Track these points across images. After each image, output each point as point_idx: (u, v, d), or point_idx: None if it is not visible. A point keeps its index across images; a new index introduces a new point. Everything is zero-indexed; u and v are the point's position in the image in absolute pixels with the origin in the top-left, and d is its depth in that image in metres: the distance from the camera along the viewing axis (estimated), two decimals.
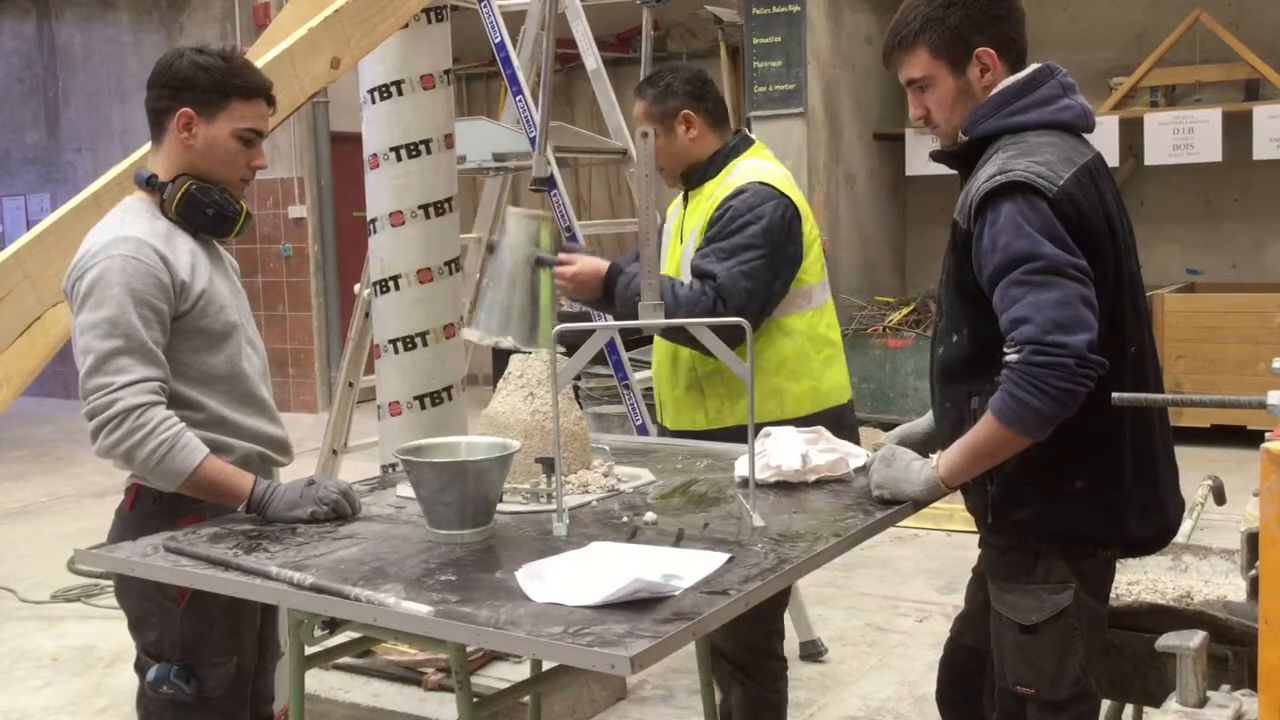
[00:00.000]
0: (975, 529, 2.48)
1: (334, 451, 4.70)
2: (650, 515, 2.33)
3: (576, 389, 2.75)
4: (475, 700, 2.09)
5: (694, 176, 3.14)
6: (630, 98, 3.26)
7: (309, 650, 2.27)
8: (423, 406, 3.80)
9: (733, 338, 2.37)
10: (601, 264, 2.97)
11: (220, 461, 2.40)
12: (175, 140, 2.46)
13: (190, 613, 2.40)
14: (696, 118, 3.10)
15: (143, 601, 2.43)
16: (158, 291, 2.36)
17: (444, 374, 3.84)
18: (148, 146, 2.60)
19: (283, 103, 3.38)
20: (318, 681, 3.77)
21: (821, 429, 2.68)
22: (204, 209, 2.47)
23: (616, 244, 8.95)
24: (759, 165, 3.09)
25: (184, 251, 2.45)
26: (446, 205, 3.82)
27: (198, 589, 2.31)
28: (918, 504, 2.39)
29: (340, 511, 2.38)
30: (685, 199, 3.20)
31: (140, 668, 2.47)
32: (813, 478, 2.54)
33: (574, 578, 1.94)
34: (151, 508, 2.43)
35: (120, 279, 2.32)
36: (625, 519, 2.34)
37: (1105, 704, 2.75)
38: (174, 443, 2.31)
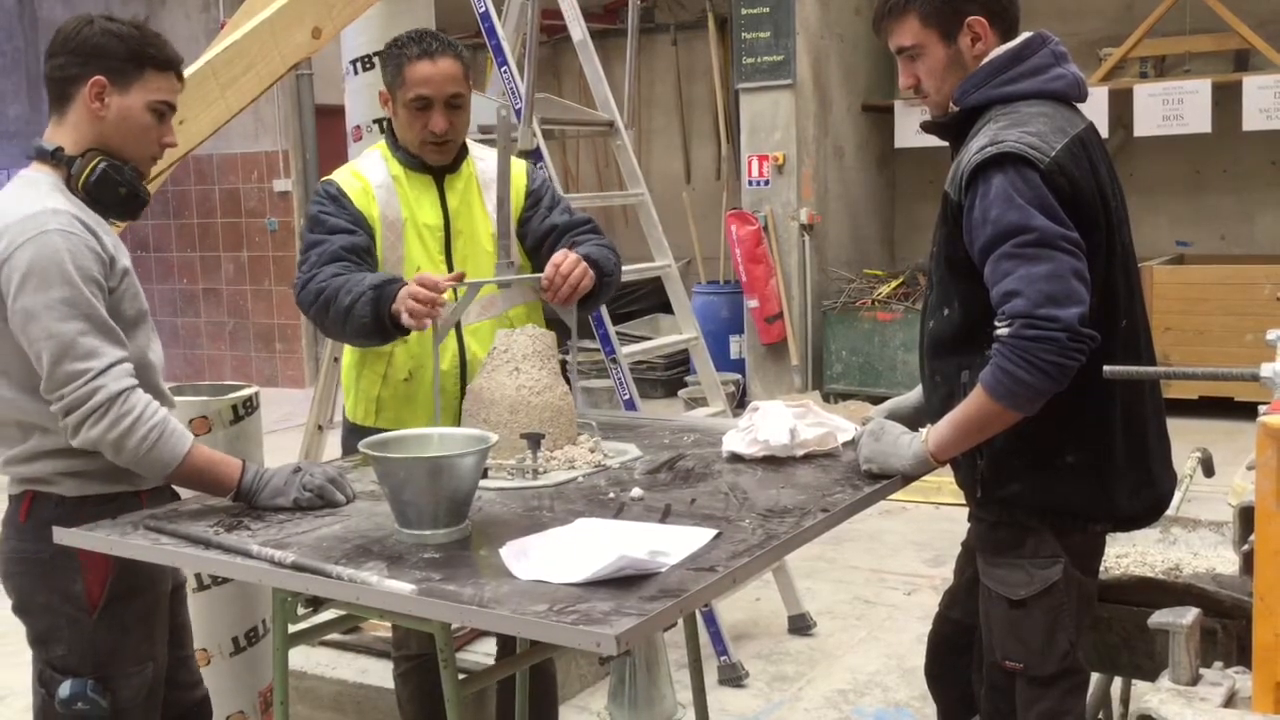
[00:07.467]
0: (964, 503, 2.47)
1: (319, 427, 4.66)
2: (637, 491, 2.31)
3: (564, 364, 2.72)
4: (462, 677, 2.07)
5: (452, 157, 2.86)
6: (619, 71, 3.18)
7: (293, 628, 2.25)
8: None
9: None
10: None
11: (207, 449, 2.29)
12: (85, 111, 2.26)
13: (103, 622, 2.27)
14: None
15: (50, 615, 2.28)
16: (98, 266, 2.19)
17: None
18: None
19: (263, 73, 3.34)
20: (304, 658, 3.75)
21: (810, 403, 2.66)
22: (116, 187, 2.27)
23: (603, 216, 8.91)
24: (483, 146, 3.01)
25: (105, 229, 2.28)
26: None
27: (111, 597, 2.26)
28: (906, 478, 2.37)
29: (327, 497, 2.28)
30: (433, 186, 2.84)
31: (45, 683, 2.29)
32: (801, 452, 2.52)
33: (559, 555, 1.92)
34: (52, 513, 2.25)
35: (65, 255, 2.14)
36: (612, 495, 2.32)
37: (1094, 677, 2.75)
38: (163, 429, 2.19)
